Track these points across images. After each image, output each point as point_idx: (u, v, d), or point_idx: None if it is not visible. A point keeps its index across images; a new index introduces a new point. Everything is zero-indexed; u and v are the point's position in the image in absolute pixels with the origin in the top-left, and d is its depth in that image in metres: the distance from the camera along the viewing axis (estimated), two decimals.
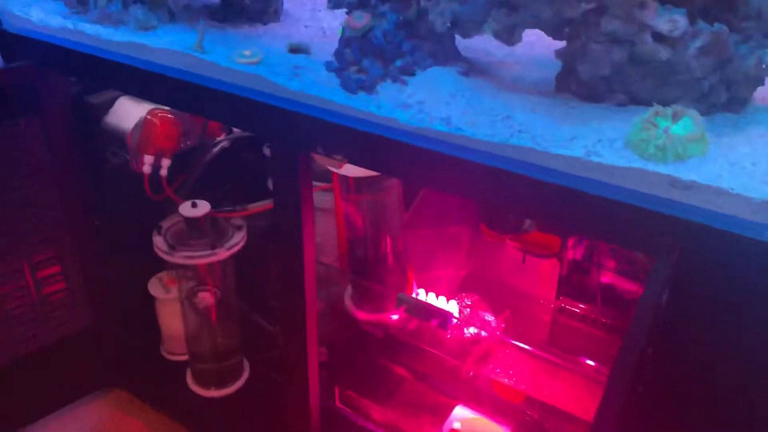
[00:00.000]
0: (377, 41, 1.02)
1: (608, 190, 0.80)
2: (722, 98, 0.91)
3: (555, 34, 0.98)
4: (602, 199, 0.80)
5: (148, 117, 1.48)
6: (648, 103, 0.92)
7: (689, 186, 0.75)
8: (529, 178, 0.85)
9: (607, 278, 1.43)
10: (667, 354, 0.80)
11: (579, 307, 1.45)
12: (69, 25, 1.30)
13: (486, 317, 1.48)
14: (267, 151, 1.61)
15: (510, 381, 1.39)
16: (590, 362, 1.40)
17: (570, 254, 1.44)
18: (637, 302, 1.35)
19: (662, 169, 0.78)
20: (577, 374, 1.38)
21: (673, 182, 0.76)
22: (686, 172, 0.77)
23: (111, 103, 1.57)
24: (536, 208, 0.89)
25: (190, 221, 1.50)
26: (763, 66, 0.88)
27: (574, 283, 1.45)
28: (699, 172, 0.77)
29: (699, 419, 0.82)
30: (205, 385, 1.67)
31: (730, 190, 0.74)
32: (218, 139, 1.66)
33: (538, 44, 1.16)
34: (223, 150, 1.65)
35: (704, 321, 0.78)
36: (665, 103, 0.89)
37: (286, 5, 1.39)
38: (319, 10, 1.41)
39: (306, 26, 1.32)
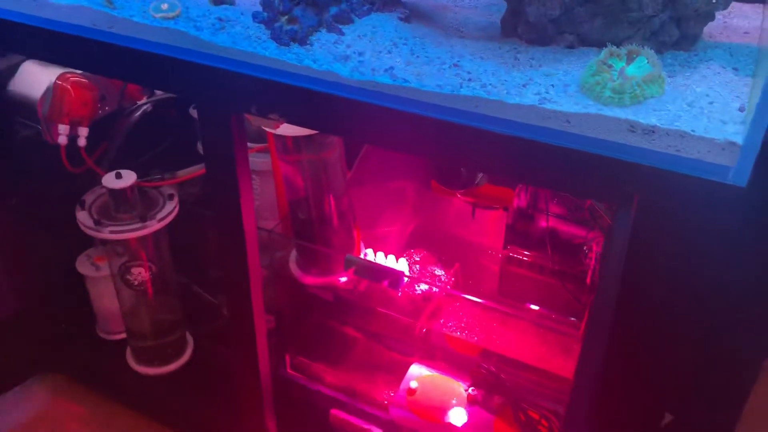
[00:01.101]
0: None
1: (565, 139, 0.76)
2: (673, 36, 0.87)
3: None
4: (560, 149, 0.76)
5: (59, 82, 1.34)
6: (598, 45, 0.88)
7: (649, 131, 0.72)
8: (483, 130, 0.80)
9: (553, 224, 1.42)
10: (632, 303, 0.78)
11: (527, 255, 1.44)
12: None
13: (436, 272, 1.45)
14: (194, 113, 1.50)
15: (464, 335, 1.38)
16: (540, 309, 1.40)
17: (515, 202, 1.42)
18: (588, 252, 1.35)
19: (620, 114, 0.74)
20: (529, 323, 1.38)
21: (633, 127, 0.73)
22: (645, 116, 0.74)
23: (15, 68, 1.42)
24: (490, 161, 0.84)
25: (115, 193, 1.39)
26: (713, 1, 0.85)
27: (521, 231, 1.43)
28: (658, 114, 0.74)
29: (666, 362, 0.82)
30: (147, 362, 1.60)
31: (692, 132, 0.71)
32: (139, 102, 1.53)
33: None
34: (146, 114, 1.53)
35: (666, 267, 0.76)
36: (616, 44, 0.85)
37: None
38: None
39: None
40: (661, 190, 0.71)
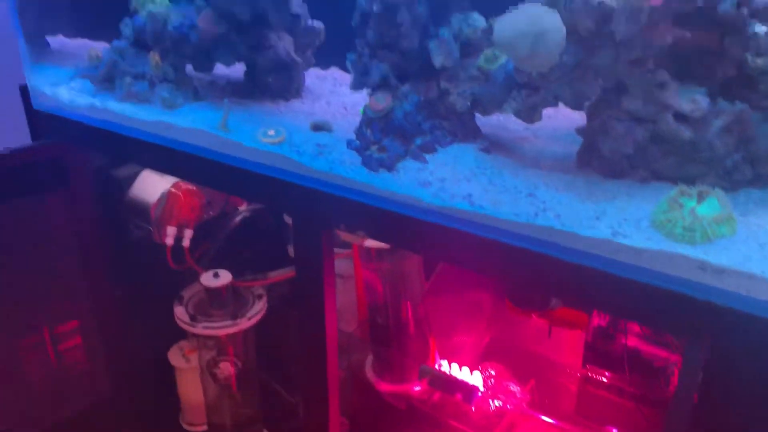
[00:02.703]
0: (398, 122, 1.04)
1: (636, 273, 0.79)
2: (747, 175, 0.90)
3: (575, 107, 1.00)
4: (631, 281, 0.79)
5: (172, 190, 1.50)
6: (671, 180, 0.92)
7: (719, 270, 0.74)
8: (556, 258, 0.84)
9: (633, 344, 1.40)
10: None
11: (606, 376, 1.42)
12: (96, 103, 1.34)
13: (511, 388, 1.45)
14: (287, 219, 1.62)
15: None
16: None
17: (596, 321, 1.42)
18: (670, 376, 1.32)
19: (690, 252, 0.77)
20: None
21: (703, 266, 0.75)
22: (715, 255, 0.76)
23: (135, 176, 1.60)
24: (563, 288, 0.88)
25: (211, 291, 1.50)
26: None
27: (600, 350, 1.42)
28: (728, 254, 0.76)
29: None
30: None
31: (762, 274, 0.72)
32: (240, 208, 1.67)
33: (557, 117, 1.17)
34: (245, 219, 1.67)
35: (738, 404, 0.75)
36: (689, 180, 0.89)
37: (307, 80, 1.42)
38: (340, 85, 1.44)
39: (327, 102, 1.34)
40: (731, 329, 0.72)
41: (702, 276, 0.75)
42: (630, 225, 0.84)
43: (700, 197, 0.82)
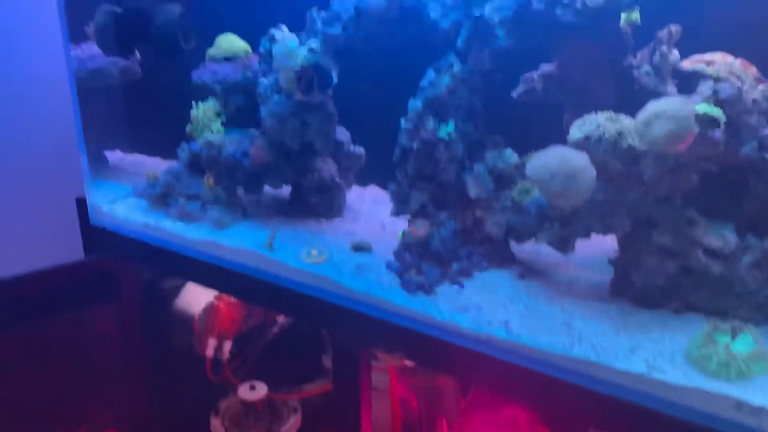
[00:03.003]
0: (436, 247, 1.09)
1: (673, 408, 0.80)
2: None
3: (607, 234, 1.04)
4: (667, 417, 0.80)
5: (215, 302, 1.56)
6: (705, 312, 0.94)
7: (756, 410, 0.75)
8: (591, 390, 0.86)
9: None
10: None
11: None
12: (150, 221, 1.42)
13: None
14: (324, 331, 1.65)
15: None
16: None
17: None
18: None
19: (726, 390, 0.78)
20: None
21: (739, 405, 0.76)
22: (752, 393, 0.77)
23: (180, 287, 1.66)
24: (598, 419, 0.88)
25: (248, 404, 1.52)
26: None
27: None
28: (765, 393, 0.77)
29: None
30: None
31: None
32: (278, 319, 1.71)
33: (591, 242, 1.21)
34: (282, 330, 1.70)
35: None
36: (722, 313, 0.91)
37: (348, 198, 1.50)
38: (377, 203, 1.51)
39: (366, 221, 1.41)
40: None
41: (739, 415, 0.76)
42: (665, 359, 0.86)
43: (734, 333, 0.84)
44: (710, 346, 0.83)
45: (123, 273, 1.56)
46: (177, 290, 1.65)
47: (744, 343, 0.82)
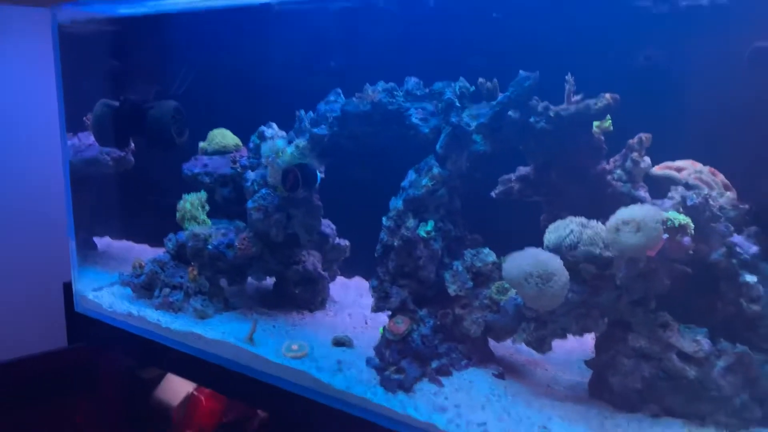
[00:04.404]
0: (416, 344, 1.10)
1: None
2: (756, 414, 0.92)
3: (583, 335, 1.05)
4: None
5: (195, 393, 1.54)
6: (682, 416, 0.94)
7: None
8: None
9: None
10: None
11: None
12: (134, 310, 1.43)
13: None
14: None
15: None
16: None
17: None
18: None
19: None
20: None
21: None
22: None
23: (161, 377, 1.64)
24: None
25: None
26: None
27: None
28: None
29: None
30: None
31: None
32: (259, 413, 1.68)
33: (568, 341, 1.21)
34: (261, 425, 1.67)
35: None
36: (699, 417, 0.91)
37: (332, 289, 1.50)
38: (361, 295, 1.52)
39: (350, 314, 1.41)
40: None
41: None
42: None
43: None
44: None
45: (104, 362, 1.54)
46: (158, 380, 1.63)
47: None
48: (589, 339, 1.08)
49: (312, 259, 1.44)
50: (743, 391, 0.92)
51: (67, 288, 1.63)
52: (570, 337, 1.13)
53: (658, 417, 0.96)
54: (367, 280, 1.62)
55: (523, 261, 0.96)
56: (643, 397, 0.97)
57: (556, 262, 0.94)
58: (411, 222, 1.10)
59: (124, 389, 1.59)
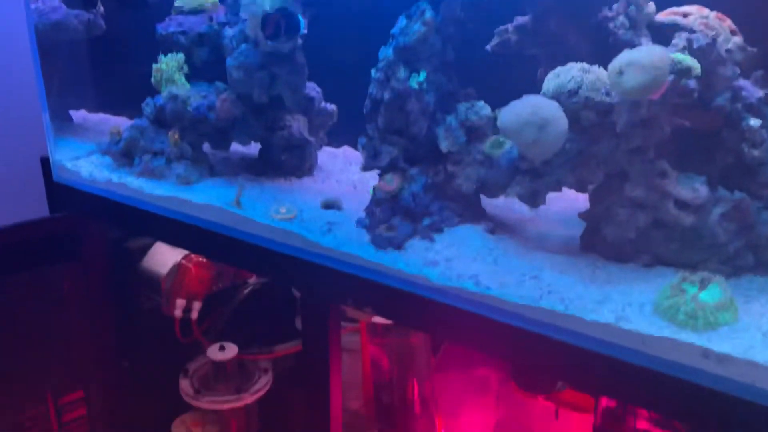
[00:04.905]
0: (406, 202, 1.07)
1: (640, 358, 0.80)
2: (749, 262, 0.92)
3: (579, 190, 1.03)
4: (635, 367, 0.79)
5: (183, 262, 1.53)
6: (675, 265, 0.93)
7: (722, 359, 0.75)
8: (560, 341, 0.85)
9: (642, 425, 1.38)
10: None
11: None
12: (114, 178, 1.38)
13: None
14: (296, 292, 1.63)
15: None
16: None
17: (604, 402, 1.40)
18: None
19: (694, 339, 0.78)
20: None
21: (706, 353, 0.76)
22: (718, 342, 0.77)
23: (147, 247, 1.63)
24: (567, 371, 0.88)
25: (217, 365, 1.50)
26: None
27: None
28: (731, 342, 0.77)
29: None
30: None
31: (764, 363, 0.73)
32: (249, 281, 1.69)
33: (562, 198, 1.20)
34: (253, 291, 1.68)
35: None
36: (692, 266, 0.91)
37: (319, 159, 1.47)
38: (350, 164, 1.49)
39: (338, 181, 1.38)
40: (736, 417, 0.72)
41: (705, 364, 0.76)
42: (633, 310, 0.85)
43: (703, 284, 0.83)
44: (678, 296, 0.82)
45: (88, 231, 1.51)
46: (144, 250, 1.62)
47: (712, 294, 0.82)
48: (584, 200, 1.06)
49: (297, 124, 1.38)
50: (738, 238, 0.91)
51: (45, 163, 1.58)
52: (565, 196, 1.12)
53: (650, 266, 0.96)
54: (356, 149, 1.58)
55: (520, 108, 0.92)
56: (636, 248, 0.96)
57: (554, 108, 0.90)
58: (402, 73, 1.04)
59: (109, 260, 1.57)
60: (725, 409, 0.73)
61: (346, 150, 1.59)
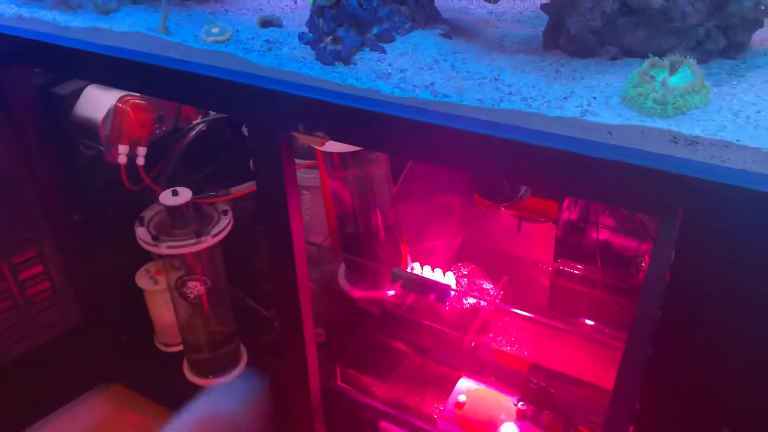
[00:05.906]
0: (352, 9, 0.96)
1: (607, 151, 0.75)
2: (719, 44, 0.86)
3: None
4: (602, 161, 0.75)
5: (119, 105, 1.41)
6: (642, 56, 0.87)
7: (692, 141, 0.71)
8: (523, 143, 0.80)
9: (604, 236, 1.40)
10: (676, 315, 0.77)
11: (578, 269, 1.42)
12: (24, 13, 1.23)
13: (484, 286, 1.45)
14: (246, 131, 1.55)
15: (513, 349, 1.37)
16: (592, 323, 1.37)
17: (566, 215, 1.40)
18: (641, 265, 1.32)
19: (662, 125, 0.74)
20: (581, 337, 1.36)
21: (675, 138, 0.72)
22: (688, 126, 0.73)
23: (79, 93, 1.50)
24: (532, 174, 0.84)
25: (171, 210, 1.44)
26: (762, 7, 0.83)
27: (571, 244, 1.41)
28: (701, 124, 0.73)
29: (715, 376, 0.79)
30: (203, 374, 1.64)
31: (736, 142, 0.69)
32: (194, 122, 1.59)
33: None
34: (201, 133, 1.59)
35: (712, 278, 0.74)
36: (660, 54, 0.84)
37: None
38: None
39: None
40: (706, 201, 0.69)
41: (675, 149, 0.72)
42: (600, 103, 0.80)
43: (672, 68, 0.78)
44: (647, 83, 0.77)
45: (8, 79, 1.37)
46: (76, 96, 1.49)
47: (682, 77, 0.76)
48: None
49: None
50: (709, 20, 0.85)
51: None
52: None
53: (616, 59, 0.90)
54: None
55: None
56: (601, 40, 0.89)
57: None
58: None
59: (39, 108, 1.44)
60: (694, 193, 0.70)
61: None
